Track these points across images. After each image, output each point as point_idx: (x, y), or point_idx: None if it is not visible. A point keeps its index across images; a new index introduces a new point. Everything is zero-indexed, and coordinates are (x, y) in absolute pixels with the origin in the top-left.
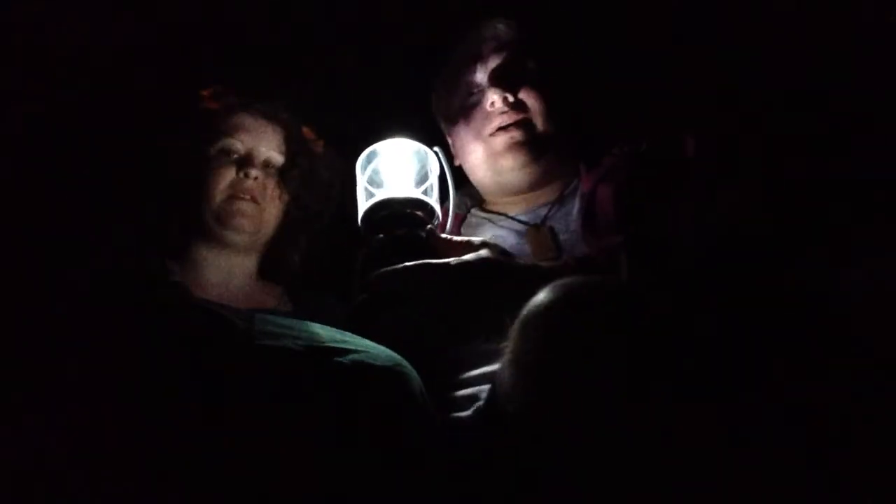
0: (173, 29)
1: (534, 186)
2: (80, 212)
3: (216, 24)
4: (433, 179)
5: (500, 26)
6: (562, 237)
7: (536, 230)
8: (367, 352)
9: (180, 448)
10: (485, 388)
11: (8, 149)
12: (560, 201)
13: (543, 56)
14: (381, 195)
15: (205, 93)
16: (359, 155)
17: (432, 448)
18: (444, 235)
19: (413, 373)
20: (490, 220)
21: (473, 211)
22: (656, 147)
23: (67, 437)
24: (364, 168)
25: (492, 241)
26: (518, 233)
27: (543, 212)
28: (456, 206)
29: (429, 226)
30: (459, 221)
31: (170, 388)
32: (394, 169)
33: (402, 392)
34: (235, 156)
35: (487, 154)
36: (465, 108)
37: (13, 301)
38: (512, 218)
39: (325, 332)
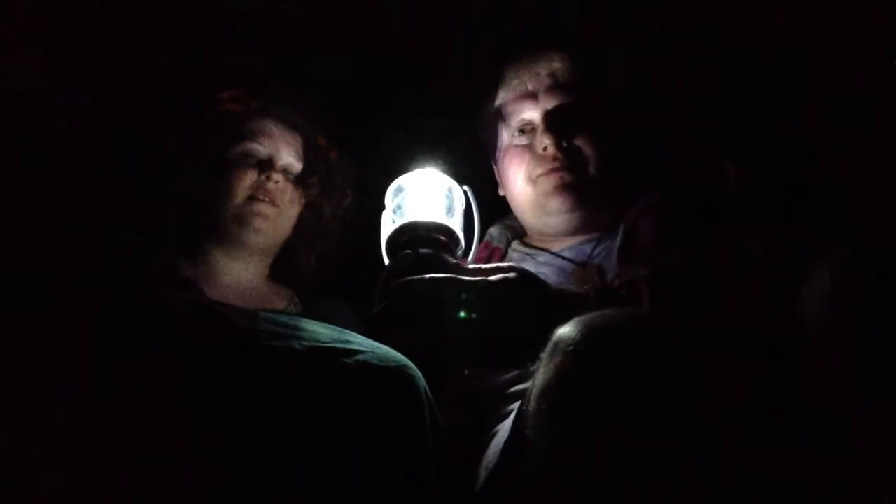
0: (176, 28)
1: (578, 231)
2: (90, 209)
3: (224, 25)
4: (458, 215)
5: (556, 63)
6: (609, 277)
7: (583, 269)
8: (373, 352)
9: (181, 448)
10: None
11: (19, 147)
12: (605, 238)
13: (599, 96)
14: (407, 219)
15: (224, 94)
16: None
17: (437, 450)
18: (472, 266)
19: (418, 373)
20: (531, 257)
21: (515, 245)
22: (700, 178)
23: (66, 436)
24: (392, 198)
25: None
26: (561, 270)
27: (588, 249)
28: (497, 239)
29: (454, 251)
30: (500, 256)
31: (171, 388)
32: (420, 200)
33: (408, 393)
34: (257, 159)
35: (535, 195)
36: (516, 145)
37: (16, 299)
38: (555, 254)
39: (330, 333)
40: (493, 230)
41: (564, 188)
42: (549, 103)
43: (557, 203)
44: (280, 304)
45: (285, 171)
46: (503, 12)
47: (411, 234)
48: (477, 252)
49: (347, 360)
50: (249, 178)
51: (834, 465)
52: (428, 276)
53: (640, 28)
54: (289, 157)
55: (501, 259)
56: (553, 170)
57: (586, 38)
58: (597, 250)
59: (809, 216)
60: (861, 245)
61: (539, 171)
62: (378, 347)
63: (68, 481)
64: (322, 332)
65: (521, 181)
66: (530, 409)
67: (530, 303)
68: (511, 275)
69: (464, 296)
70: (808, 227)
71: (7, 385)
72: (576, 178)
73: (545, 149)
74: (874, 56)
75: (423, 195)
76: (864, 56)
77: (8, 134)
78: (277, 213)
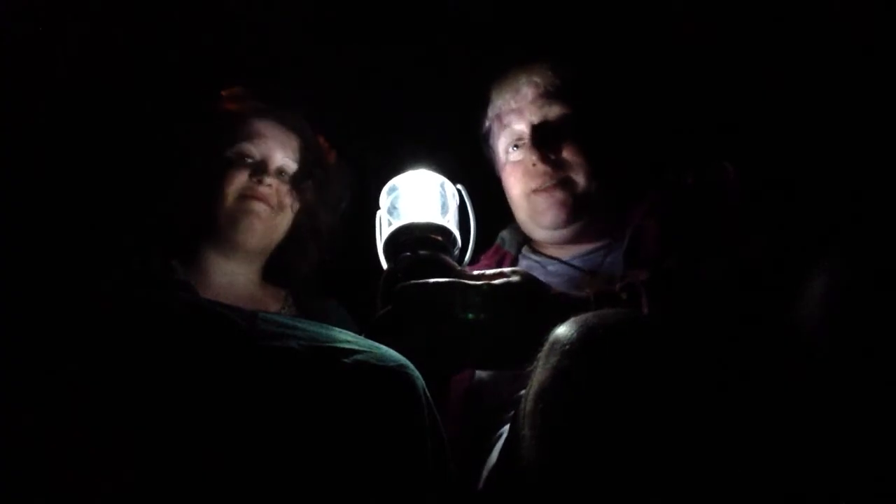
0: (175, 28)
1: (579, 238)
2: (86, 211)
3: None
4: (452, 212)
5: (536, 77)
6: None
7: (594, 278)
8: (371, 352)
9: (180, 449)
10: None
11: (17, 146)
12: (615, 246)
13: (583, 100)
14: (403, 221)
15: (224, 93)
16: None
17: (436, 450)
18: (476, 272)
19: (417, 374)
20: (541, 265)
21: (524, 251)
22: (700, 180)
23: (66, 436)
24: (386, 198)
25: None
26: (571, 279)
27: (598, 258)
28: (508, 243)
29: (451, 251)
30: (511, 261)
31: (170, 389)
32: (415, 200)
33: (407, 394)
34: (250, 160)
35: (531, 211)
36: (511, 161)
37: (16, 298)
38: (566, 263)
39: (329, 333)
40: (505, 234)
41: (557, 205)
42: (535, 116)
43: (551, 219)
44: (274, 306)
45: (280, 173)
46: (501, 16)
47: (408, 236)
48: (487, 256)
49: (346, 360)
50: (241, 180)
51: (831, 465)
52: (431, 281)
53: (633, 27)
54: (283, 158)
55: (512, 264)
56: (546, 189)
57: (574, 41)
58: (608, 258)
59: (808, 217)
60: (859, 248)
61: (533, 185)
62: (377, 347)
63: (67, 481)
64: (320, 332)
65: (518, 196)
66: (527, 408)
67: (531, 305)
68: (514, 278)
69: (466, 300)
70: (807, 228)
71: (6, 385)
72: (566, 194)
73: (534, 164)
74: (873, 55)
75: (418, 195)
76: (862, 55)
77: (5, 133)
78: (271, 214)
